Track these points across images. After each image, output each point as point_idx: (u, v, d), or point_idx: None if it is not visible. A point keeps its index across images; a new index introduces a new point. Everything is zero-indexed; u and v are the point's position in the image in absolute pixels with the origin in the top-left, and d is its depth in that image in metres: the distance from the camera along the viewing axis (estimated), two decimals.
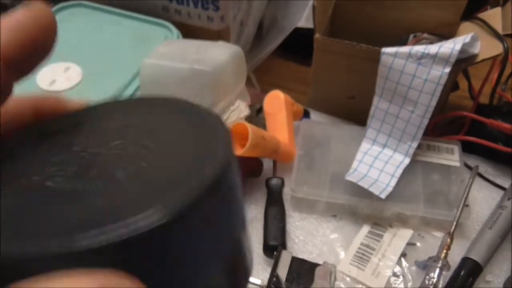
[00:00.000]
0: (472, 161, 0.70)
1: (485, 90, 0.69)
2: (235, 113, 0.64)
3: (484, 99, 0.71)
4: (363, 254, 0.60)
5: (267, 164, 0.68)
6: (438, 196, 0.62)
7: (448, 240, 0.57)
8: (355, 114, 0.72)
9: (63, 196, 0.15)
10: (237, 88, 0.66)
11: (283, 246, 0.59)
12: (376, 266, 0.58)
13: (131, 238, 0.12)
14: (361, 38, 0.67)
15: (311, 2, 0.74)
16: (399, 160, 0.65)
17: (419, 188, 0.63)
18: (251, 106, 0.70)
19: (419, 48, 0.59)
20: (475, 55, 0.62)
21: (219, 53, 0.62)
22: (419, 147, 0.65)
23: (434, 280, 0.54)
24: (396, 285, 0.57)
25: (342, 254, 0.60)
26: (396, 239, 0.61)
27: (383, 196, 0.60)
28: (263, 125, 0.70)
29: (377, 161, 0.65)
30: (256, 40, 0.87)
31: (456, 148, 0.67)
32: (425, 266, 0.57)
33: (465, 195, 0.60)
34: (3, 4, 0.81)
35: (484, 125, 0.67)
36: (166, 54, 0.63)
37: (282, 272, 0.54)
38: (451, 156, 0.67)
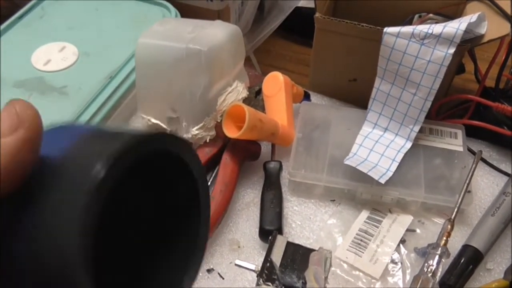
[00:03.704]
0: (476, 145, 0.68)
1: (492, 73, 0.67)
2: (233, 94, 0.63)
3: (490, 82, 0.69)
4: (361, 240, 0.58)
5: (265, 147, 0.67)
6: (440, 182, 0.61)
7: (449, 226, 0.55)
8: (356, 96, 0.70)
9: None
10: (235, 69, 0.64)
11: (279, 231, 0.58)
12: (374, 252, 0.57)
13: None
14: (365, 18, 0.65)
15: None
16: (400, 144, 0.63)
17: (420, 173, 0.61)
18: (250, 88, 0.68)
19: (422, 28, 0.57)
20: (482, 36, 0.60)
21: (215, 33, 0.60)
22: (421, 130, 0.63)
23: (433, 268, 0.52)
24: (394, 272, 0.56)
25: (339, 240, 0.59)
26: (396, 225, 0.60)
27: (382, 181, 0.58)
28: (262, 107, 0.68)
29: (378, 145, 0.64)
30: (257, 20, 0.85)
31: (460, 133, 0.65)
32: (424, 253, 0.56)
33: (467, 181, 0.58)
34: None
35: (489, 109, 0.64)
36: (161, 33, 0.61)
37: (277, 257, 0.53)
38: (454, 141, 0.65)
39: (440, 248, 0.54)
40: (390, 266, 0.57)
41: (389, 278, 0.56)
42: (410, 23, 0.72)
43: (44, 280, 0.18)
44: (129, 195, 0.24)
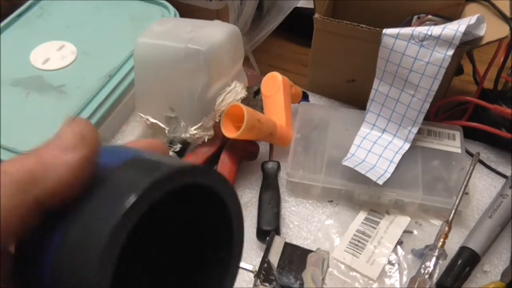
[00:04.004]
0: (474, 147, 0.68)
1: (490, 75, 0.67)
2: (231, 94, 0.63)
3: (489, 84, 0.69)
4: (359, 241, 0.58)
5: (264, 147, 0.67)
6: (438, 183, 0.61)
7: (446, 228, 0.55)
8: (355, 97, 0.70)
9: None
10: (233, 69, 0.64)
11: (277, 231, 0.58)
12: (371, 253, 0.57)
13: None
14: (364, 19, 0.65)
15: None
16: (398, 146, 0.63)
17: (418, 175, 0.61)
18: (248, 88, 0.68)
19: (421, 30, 0.57)
20: (480, 38, 0.60)
21: (214, 33, 0.60)
22: (419, 132, 0.63)
23: (430, 269, 0.53)
24: (391, 274, 0.56)
25: (337, 241, 0.59)
26: (393, 227, 0.60)
27: (380, 182, 0.58)
28: (260, 107, 0.68)
29: (376, 146, 0.64)
30: (256, 20, 0.85)
31: (458, 134, 0.65)
32: (421, 255, 0.56)
33: (465, 183, 0.58)
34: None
35: (488, 110, 0.64)
36: (160, 33, 0.61)
37: (274, 258, 0.53)
38: (452, 142, 0.65)
39: (437, 250, 0.54)
40: (387, 267, 0.57)
41: (386, 279, 0.56)
42: (409, 24, 0.72)
43: None
44: (162, 223, 0.25)
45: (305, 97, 0.73)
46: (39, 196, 0.18)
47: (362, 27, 0.63)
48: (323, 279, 0.51)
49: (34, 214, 0.18)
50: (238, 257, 0.24)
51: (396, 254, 0.58)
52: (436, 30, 0.56)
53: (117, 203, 0.18)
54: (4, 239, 0.18)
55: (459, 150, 0.64)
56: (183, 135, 0.62)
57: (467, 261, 0.55)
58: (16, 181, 0.18)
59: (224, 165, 0.62)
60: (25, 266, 0.19)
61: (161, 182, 0.18)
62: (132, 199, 0.18)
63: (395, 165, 0.61)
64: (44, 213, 0.19)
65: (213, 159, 0.63)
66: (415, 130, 0.62)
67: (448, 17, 0.70)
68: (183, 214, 0.24)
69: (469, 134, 0.67)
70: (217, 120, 0.62)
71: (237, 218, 0.23)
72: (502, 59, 0.66)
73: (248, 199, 0.63)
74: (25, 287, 0.20)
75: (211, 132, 0.62)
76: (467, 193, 0.58)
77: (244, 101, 0.64)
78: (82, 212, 0.19)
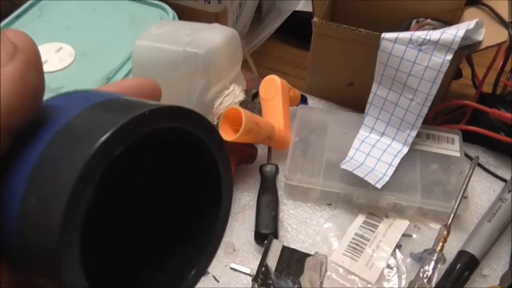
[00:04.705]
0: (473, 151, 0.68)
1: (489, 79, 0.67)
2: (230, 97, 0.63)
3: (487, 88, 0.69)
4: (357, 245, 0.58)
5: (262, 150, 0.67)
6: (436, 187, 0.61)
7: (445, 232, 0.55)
8: (353, 100, 0.70)
9: None
10: (232, 72, 0.64)
11: (275, 234, 0.57)
12: (370, 257, 0.57)
13: None
14: (363, 23, 0.65)
15: None
16: (397, 149, 0.63)
17: (417, 178, 0.61)
18: (247, 91, 0.68)
19: (420, 34, 0.57)
20: (479, 42, 0.60)
21: (213, 36, 0.60)
22: (418, 136, 0.63)
23: (429, 274, 0.52)
24: (389, 277, 0.56)
25: (335, 244, 0.59)
26: (392, 230, 0.59)
27: (379, 186, 0.58)
28: (259, 111, 0.68)
29: (375, 150, 0.63)
30: (255, 23, 0.85)
31: (457, 138, 0.65)
32: (420, 259, 0.56)
33: (464, 186, 0.58)
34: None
35: (486, 114, 0.64)
36: (159, 36, 0.61)
37: (272, 262, 0.53)
38: (451, 146, 0.65)
39: (436, 254, 0.53)
40: (386, 271, 0.56)
41: (385, 283, 0.56)
42: (407, 28, 0.72)
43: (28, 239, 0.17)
44: (140, 171, 0.23)
45: (303, 100, 0.73)
46: None
47: (360, 31, 0.63)
48: (321, 283, 0.51)
49: None
50: (223, 224, 0.22)
51: (395, 257, 0.57)
52: (434, 34, 0.56)
53: (84, 142, 0.16)
54: None
55: (458, 154, 0.64)
56: None
57: (466, 265, 0.55)
58: None
59: None
60: None
61: (136, 121, 0.16)
62: (102, 138, 0.15)
63: (394, 168, 0.61)
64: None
65: None
66: (414, 133, 0.62)
67: (447, 22, 0.70)
68: (162, 169, 0.23)
69: (468, 138, 0.67)
70: (216, 123, 0.61)
71: (224, 167, 0.21)
72: (501, 63, 0.66)
73: (246, 202, 0.63)
74: None
75: None
76: (466, 197, 0.58)
77: (243, 104, 0.64)
78: (37, 152, 0.17)
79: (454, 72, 0.67)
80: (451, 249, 0.57)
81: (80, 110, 0.18)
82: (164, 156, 0.23)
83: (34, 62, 0.18)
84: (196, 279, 0.21)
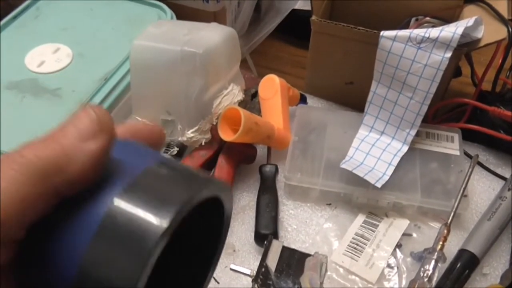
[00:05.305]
0: (473, 149, 0.68)
1: (488, 77, 0.67)
2: (228, 97, 0.62)
3: (487, 85, 0.68)
4: (357, 245, 0.58)
5: (261, 150, 0.67)
6: (436, 186, 0.60)
7: (445, 231, 0.55)
8: (353, 99, 0.70)
9: None
10: (230, 72, 0.63)
11: (275, 235, 0.57)
12: (370, 257, 0.57)
13: None
14: (362, 21, 0.65)
15: None
16: (396, 148, 0.63)
17: (417, 177, 0.61)
18: (246, 91, 0.68)
19: (419, 32, 0.57)
20: (478, 40, 0.60)
21: (211, 35, 0.60)
22: (417, 134, 0.63)
23: (429, 273, 0.52)
24: (390, 277, 0.56)
25: (335, 244, 0.59)
26: (392, 229, 0.59)
27: (379, 185, 0.58)
28: (258, 110, 0.68)
29: (374, 149, 0.63)
30: (253, 22, 0.85)
31: (456, 136, 0.65)
32: (420, 258, 0.56)
33: (464, 185, 0.58)
34: None
35: (486, 112, 0.64)
36: (156, 36, 0.60)
37: (272, 262, 0.53)
38: (450, 145, 0.64)
39: (436, 253, 0.53)
40: (386, 270, 0.56)
41: (385, 283, 0.55)
42: (406, 26, 0.72)
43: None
44: None
45: (303, 100, 0.72)
46: (59, 185, 0.18)
47: (359, 29, 0.63)
48: (322, 283, 0.51)
49: (51, 202, 0.18)
50: (219, 255, 0.24)
51: (395, 257, 0.57)
52: (433, 32, 0.56)
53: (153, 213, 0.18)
54: (18, 225, 0.17)
55: (457, 152, 0.64)
56: (180, 139, 0.61)
57: (466, 264, 0.55)
58: (39, 170, 0.17)
59: (222, 169, 0.61)
60: (37, 263, 0.19)
61: (189, 201, 0.19)
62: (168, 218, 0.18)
63: (394, 167, 0.61)
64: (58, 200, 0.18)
65: (210, 162, 0.62)
66: (413, 132, 0.62)
67: (446, 19, 0.69)
68: None
69: (468, 136, 0.66)
70: (214, 123, 0.61)
71: (227, 223, 0.24)
72: (500, 61, 0.65)
73: (246, 203, 0.63)
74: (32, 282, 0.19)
75: (208, 135, 0.62)
76: (466, 196, 0.58)
77: (242, 104, 0.64)
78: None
79: (453, 70, 0.66)
80: (452, 248, 0.57)
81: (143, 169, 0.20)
82: None
83: (110, 145, 0.19)
84: None
